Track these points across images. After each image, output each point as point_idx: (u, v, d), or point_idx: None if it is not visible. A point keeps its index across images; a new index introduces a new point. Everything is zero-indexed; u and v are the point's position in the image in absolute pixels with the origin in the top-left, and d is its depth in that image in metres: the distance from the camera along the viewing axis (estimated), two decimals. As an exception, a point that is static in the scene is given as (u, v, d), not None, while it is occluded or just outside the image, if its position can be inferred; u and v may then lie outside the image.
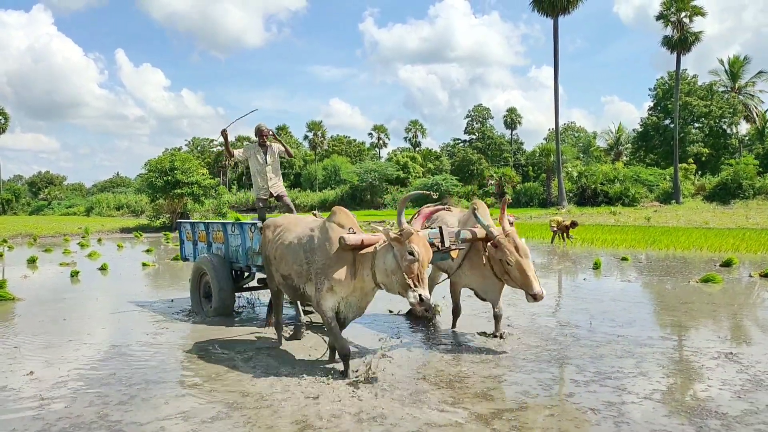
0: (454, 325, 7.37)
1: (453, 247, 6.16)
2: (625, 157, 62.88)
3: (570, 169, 48.05)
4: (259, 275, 8.23)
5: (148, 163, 34.93)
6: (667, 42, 41.66)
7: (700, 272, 11.71)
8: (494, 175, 53.35)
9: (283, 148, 8.65)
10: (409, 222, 5.45)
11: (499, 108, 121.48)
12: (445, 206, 6.54)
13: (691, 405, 4.58)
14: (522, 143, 74.85)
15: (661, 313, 8.36)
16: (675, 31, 41.33)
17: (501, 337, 6.74)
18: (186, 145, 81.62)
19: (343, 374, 5.36)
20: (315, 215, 7.45)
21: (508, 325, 7.33)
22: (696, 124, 53.94)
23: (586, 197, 45.50)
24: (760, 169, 44.02)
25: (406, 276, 4.76)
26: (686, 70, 55.87)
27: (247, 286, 8.73)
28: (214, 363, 6.02)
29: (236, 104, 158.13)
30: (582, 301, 9.16)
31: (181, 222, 10.14)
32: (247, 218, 34.91)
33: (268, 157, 8.55)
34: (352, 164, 64.97)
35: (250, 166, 8.72)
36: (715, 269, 12.40)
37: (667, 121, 53.96)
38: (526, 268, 6.00)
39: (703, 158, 52.11)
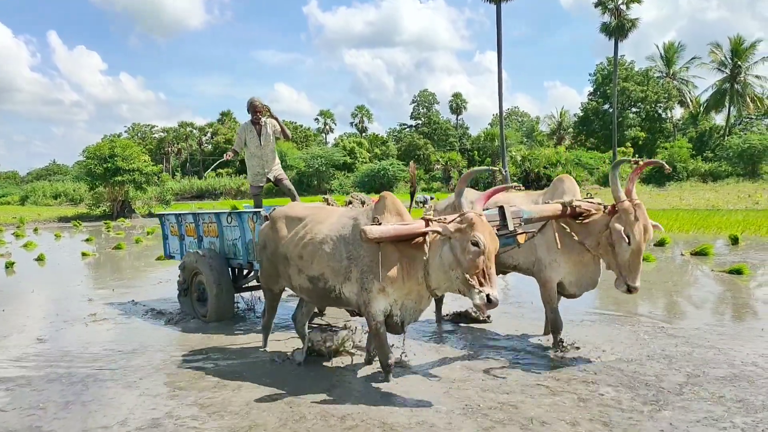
0: (556, 343, 5.59)
1: (519, 230, 4.92)
2: (567, 141, 64.39)
3: (514, 153, 48.97)
4: None
5: (86, 149, 33.83)
6: (605, 28, 42.86)
7: (636, 252, 12.12)
8: (440, 160, 53.85)
9: (278, 127, 7.80)
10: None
11: (445, 92, 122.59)
12: (515, 186, 5.14)
13: (629, 375, 4.81)
14: (467, 128, 75.65)
15: (600, 290, 8.64)
16: (613, 17, 42.53)
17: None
18: (126, 131, 79.14)
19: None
20: (327, 201, 6.96)
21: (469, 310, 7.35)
22: (633, 109, 55.64)
23: (530, 180, 46.42)
24: (693, 152, 45.93)
25: (468, 273, 4.03)
26: (624, 56, 57.52)
27: (247, 285, 7.61)
28: (156, 362, 5.74)
29: (178, 89, 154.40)
30: (525, 283, 9.37)
31: (163, 214, 8.96)
32: (190, 206, 34.15)
33: (262, 138, 7.70)
34: (299, 150, 64.37)
35: (245, 150, 7.88)
36: (649, 248, 12.91)
37: (606, 106, 55.44)
38: (640, 255, 5.01)
39: (640, 142, 53.83)
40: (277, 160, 8.05)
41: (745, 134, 45.98)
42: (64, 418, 4.32)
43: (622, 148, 48.24)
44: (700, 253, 11.63)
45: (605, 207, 5.30)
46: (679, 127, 58.24)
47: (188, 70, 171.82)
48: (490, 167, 4.86)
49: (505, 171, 44.05)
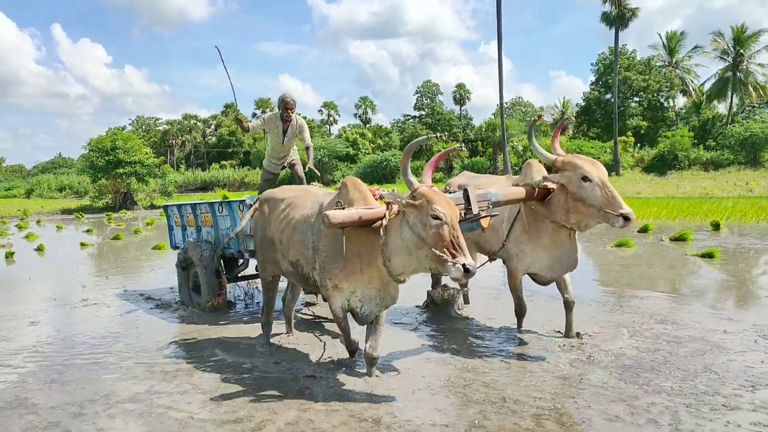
0: (520, 326, 5.92)
1: (483, 214, 4.77)
2: (570, 131, 64.37)
3: (516, 143, 49.12)
4: (254, 261, 7.02)
5: (90, 142, 34.27)
6: (606, 18, 42.74)
7: (618, 238, 12.41)
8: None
9: (306, 131, 7.78)
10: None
11: (451, 83, 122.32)
12: (458, 148, 4.77)
13: (597, 352, 5.13)
14: (471, 118, 75.65)
15: (579, 274, 8.92)
16: (613, 7, 42.39)
17: (578, 337, 5.60)
18: (130, 124, 79.73)
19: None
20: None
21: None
22: (635, 98, 55.55)
23: (531, 170, 46.60)
24: (695, 141, 45.90)
25: (437, 248, 3.79)
26: (626, 45, 57.46)
27: (242, 275, 7.63)
28: (140, 343, 6.05)
29: (183, 82, 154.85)
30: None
31: (167, 206, 8.89)
32: (192, 199, 34.33)
33: (286, 139, 7.63)
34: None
35: (265, 138, 7.59)
36: (630, 235, 13.15)
37: (608, 96, 55.28)
38: (608, 184, 4.82)
39: (642, 131, 53.80)
40: (296, 151, 8.08)
41: (747, 122, 45.87)
42: (48, 392, 4.62)
43: (623, 137, 48.27)
44: (679, 239, 11.87)
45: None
46: (682, 116, 58.12)
47: (192, 62, 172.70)
48: (429, 135, 4.65)
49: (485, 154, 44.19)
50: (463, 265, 3.72)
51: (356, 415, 3.93)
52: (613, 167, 43.62)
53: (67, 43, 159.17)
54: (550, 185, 5.10)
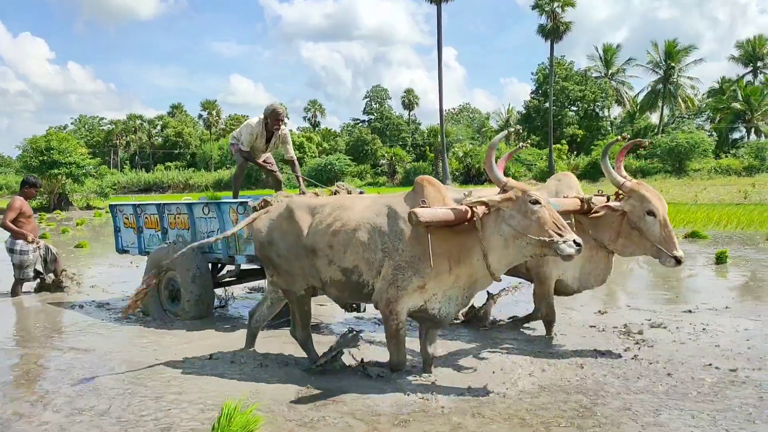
0: (549, 332, 5.70)
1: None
2: (512, 139, 66.25)
3: (457, 149, 50.60)
4: (245, 266, 6.66)
5: (25, 142, 33.99)
6: (542, 30, 44.59)
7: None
8: (385, 155, 55.09)
9: (289, 143, 7.32)
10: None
11: (403, 87, 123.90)
12: (523, 146, 5.02)
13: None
14: (419, 123, 77.08)
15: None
16: (549, 20, 44.26)
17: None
18: (72, 123, 78.22)
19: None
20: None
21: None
22: (572, 108, 57.89)
23: (471, 176, 48.16)
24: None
25: (541, 230, 3.86)
26: (564, 56, 59.66)
27: (225, 280, 7.19)
28: (41, 330, 6.65)
29: (130, 81, 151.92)
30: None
31: (116, 205, 8.18)
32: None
33: (269, 146, 7.22)
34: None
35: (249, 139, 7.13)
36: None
37: (547, 104, 57.54)
38: (669, 223, 4.83)
39: (579, 140, 56.07)
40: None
41: (675, 133, 48.39)
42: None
43: (558, 145, 50.25)
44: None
45: (608, 197, 5.21)
46: (617, 126, 60.76)
47: (141, 60, 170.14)
48: (508, 129, 4.90)
49: (446, 166, 45.45)
50: (574, 240, 3.83)
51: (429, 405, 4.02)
52: (547, 174, 45.48)
53: (6, 37, 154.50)
54: (598, 203, 5.04)
